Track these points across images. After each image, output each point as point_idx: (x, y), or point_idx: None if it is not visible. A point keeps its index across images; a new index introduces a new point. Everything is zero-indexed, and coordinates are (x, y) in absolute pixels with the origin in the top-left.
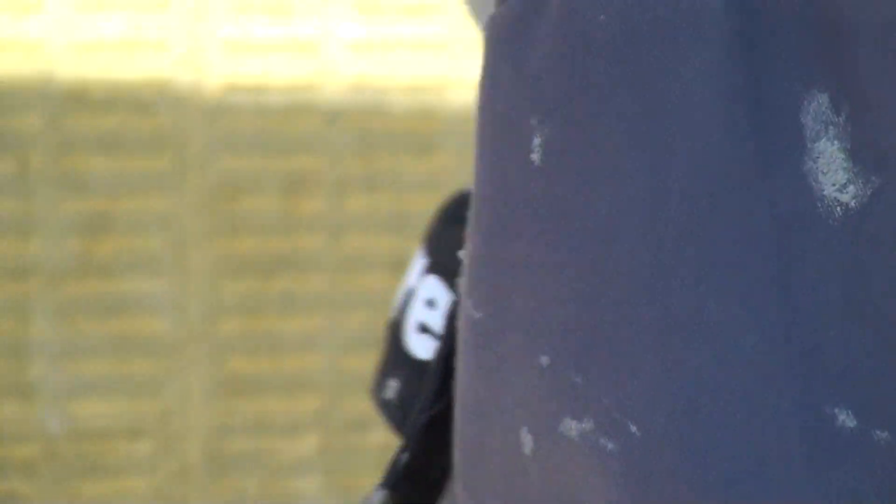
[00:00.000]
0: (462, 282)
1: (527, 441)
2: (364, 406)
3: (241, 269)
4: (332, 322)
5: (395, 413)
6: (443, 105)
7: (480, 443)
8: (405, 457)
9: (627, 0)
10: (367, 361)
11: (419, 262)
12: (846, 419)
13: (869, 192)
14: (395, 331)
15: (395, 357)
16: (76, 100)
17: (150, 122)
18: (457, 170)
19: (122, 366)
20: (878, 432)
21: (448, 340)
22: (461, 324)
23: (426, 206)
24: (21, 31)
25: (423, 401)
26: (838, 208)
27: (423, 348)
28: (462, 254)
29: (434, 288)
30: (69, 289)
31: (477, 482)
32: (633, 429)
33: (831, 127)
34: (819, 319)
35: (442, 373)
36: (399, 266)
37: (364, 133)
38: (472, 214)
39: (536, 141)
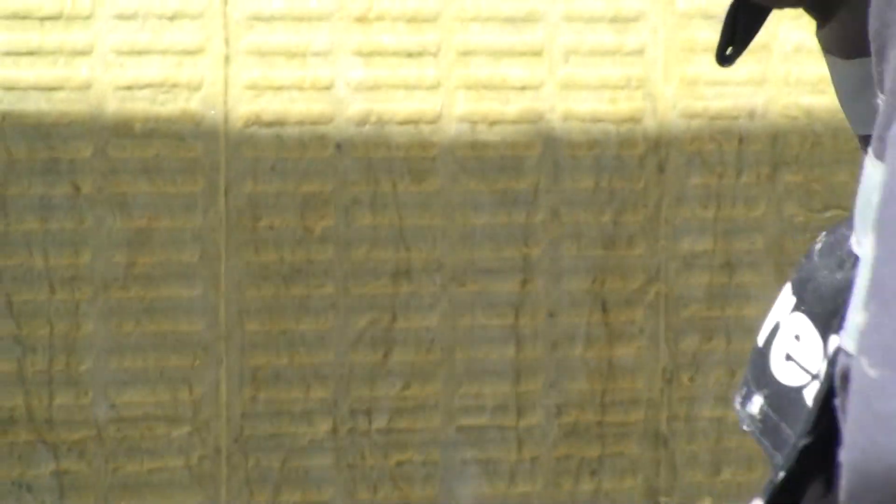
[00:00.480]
0: (850, 340)
1: None
2: (367, 395)
3: (263, 278)
4: (341, 323)
5: (756, 424)
6: (436, 136)
7: (866, 473)
8: (781, 475)
9: None
10: (371, 357)
11: (787, 299)
12: None
13: None
14: (762, 356)
15: (762, 378)
16: (121, 132)
17: (185, 151)
18: (449, 192)
19: (161, 361)
20: None
21: (827, 384)
22: (854, 375)
23: (422, 223)
24: (73, 73)
25: (800, 430)
26: None
27: (787, 374)
28: (855, 317)
29: (801, 325)
30: (116, 295)
31: None
32: None
33: None
34: None
35: (819, 410)
36: (399, 275)
37: (368, 160)
38: (872, 291)
39: None
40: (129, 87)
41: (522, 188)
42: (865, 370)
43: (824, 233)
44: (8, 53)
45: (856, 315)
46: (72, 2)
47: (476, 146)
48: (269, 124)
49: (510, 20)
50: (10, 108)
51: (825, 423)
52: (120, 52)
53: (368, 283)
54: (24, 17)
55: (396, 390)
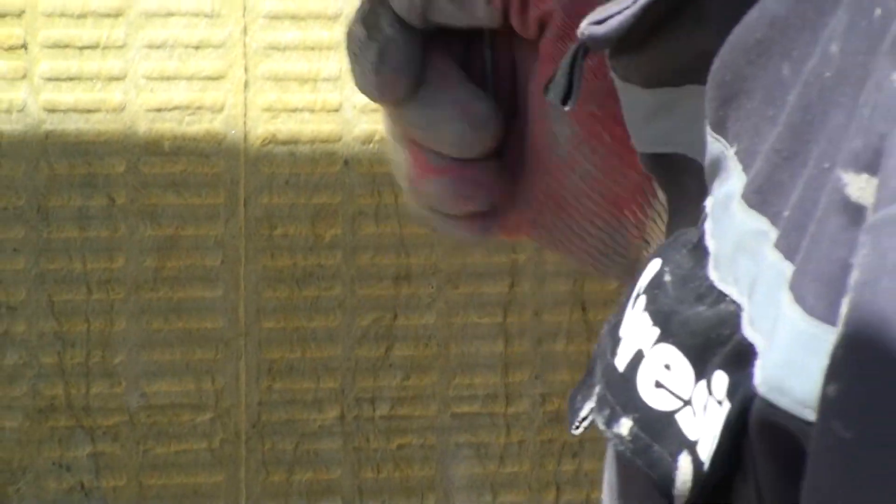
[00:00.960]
0: (797, 405)
1: None
2: (371, 386)
3: (278, 280)
4: (348, 321)
5: (626, 444)
6: None
7: None
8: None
9: None
10: (375, 352)
11: (647, 330)
12: None
13: None
14: (626, 381)
15: (629, 403)
16: (151, 150)
17: (209, 167)
18: None
19: (186, 354)
20: None
21: (738, 425)
22: (821, 442)
23: (421, 232)
24: (109, 96)
25: (704, 479)
26: None
27: (658, 400)
28: (804, 383)
29: (670, 356)
30: (146, 295)
31: None
32: None
33: None
34: None
35: (725, 450)
36: (399, 278)
37: (373, 175)
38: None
39: None
40: (158, 110)
41: None
42: (842, 433)
43: (659, 259)
44: (50, 79)
45: (802, 380)
46: (107, 33)
47: None
48: (284, 143)
49: None
50: (53, 128)
51: (727, 460)
52: (150, 78)
53: (372, 285)
54: (66, 47)
55: (397, 381)
